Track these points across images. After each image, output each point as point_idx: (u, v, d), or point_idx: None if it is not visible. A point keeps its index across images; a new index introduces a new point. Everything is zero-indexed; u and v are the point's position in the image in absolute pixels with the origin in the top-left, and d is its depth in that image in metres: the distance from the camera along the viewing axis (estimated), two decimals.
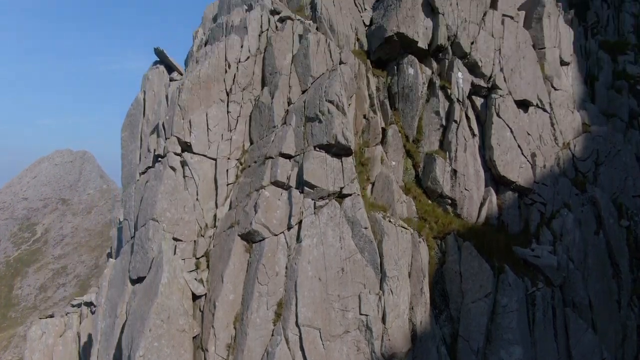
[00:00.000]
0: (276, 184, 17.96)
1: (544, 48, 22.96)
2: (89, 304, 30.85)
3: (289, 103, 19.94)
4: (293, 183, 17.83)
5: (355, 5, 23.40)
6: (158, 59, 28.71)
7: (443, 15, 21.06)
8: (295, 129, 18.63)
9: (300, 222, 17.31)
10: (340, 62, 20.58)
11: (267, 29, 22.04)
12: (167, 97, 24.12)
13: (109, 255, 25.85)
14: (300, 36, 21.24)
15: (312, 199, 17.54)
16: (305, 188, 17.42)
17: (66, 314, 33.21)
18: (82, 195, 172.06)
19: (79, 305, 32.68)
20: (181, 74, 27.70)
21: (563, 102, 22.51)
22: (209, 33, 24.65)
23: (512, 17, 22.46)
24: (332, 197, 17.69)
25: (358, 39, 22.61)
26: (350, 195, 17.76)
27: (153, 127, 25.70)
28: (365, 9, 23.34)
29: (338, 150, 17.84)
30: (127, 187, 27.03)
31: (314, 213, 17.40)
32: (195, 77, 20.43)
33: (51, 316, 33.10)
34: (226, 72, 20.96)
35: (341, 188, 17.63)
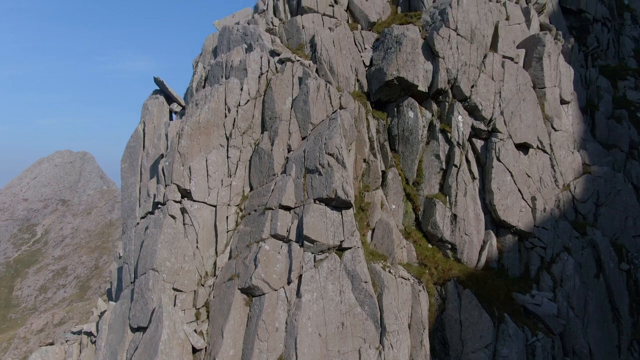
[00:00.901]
0: (276, 237, 17.95)
1: (544, 88, 22.91)
2: (89, 334, 30.81)
3: (289, 150, 19.91)
4: (293, 236, 17.81)
5: (355, 44, 23.32)
6: (158, 88, 28.75)
7: (443, 59, 21.00)
8: (295, 180, 18.60)
9: (300, 277, 17.30)
10: (341, 107, 20.58)
11: (267, 71, 21.98)
12: (166, 135, 24.12)
13: (109, 294, 25.78)
14: (300, 79, 21.19)
15: (312, 253, 17.53)
16: (305, 242, 17.40)
17: (66, 341, 33.23)
18: (82, 196, 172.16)
19: (79, 333, 32.71)
20: (181, 105, 27.71)
21: (563, 143, 22.47)
22: (208, 69, 24.59)
23: (512, 59, 22.40)
24: (332, 250, 17.67)
25: (358, 80, 22.55)
26: (350, 248, 17.74)
27: (153, 161, 25.71)
28: (365, 48, 23.26)
29: (338, 204, 17.81)
30: (127, 219, 27.06)
31: (314, 267, 17.40)
32: (195, 122, 20.39)
33: (51, 344, 33.08)
34: (226, 116, 20.92)
35: (341, 241, 17.62)
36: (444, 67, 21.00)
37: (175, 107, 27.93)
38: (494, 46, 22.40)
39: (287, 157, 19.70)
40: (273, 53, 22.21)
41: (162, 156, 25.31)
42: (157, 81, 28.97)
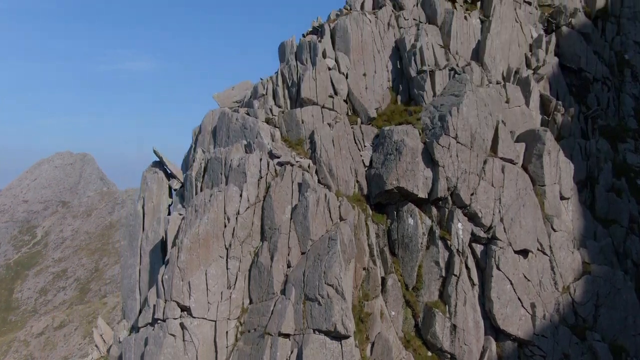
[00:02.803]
0: None
1: (544, 185, 22.85)
2: None
3: (289, 265, 19.90)
4: None
5: (355, 141, 23.23)
6: (157, 159, 28.72)
7: (443, 167, 20.93)
8: (294, 305, 18.61)
9: None
10: (340, 218, 20.56)
11: (267, 174, 21.91)
12: (166, 232, 24.07)
13: None
14: (300, 185, 21.13)
15: None
16: None
17: None
18: (82, 197, 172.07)
19: None
20: (180, 181, 27.66)
21: (563, 244, 22.47)
22: (208, 159, 24.42)
23: (512, 161, 22.33)
24: None
25: (358, 181, 22.50)
26: None
27: (152, 245, 25.73)
28: (365, 146, 23.17)
29: (337, 335, 17.84)
30: (127, 299, 27.12)
31: None
32: (194, 235, 20.36)
33: None
34: (225, 226, 20.87)
35: None
36: (444, 175, 20.93)
37: (175, 184, 27.89)
38: (494, 148, 22.30)
39: (287, 275, 19.70)
40: (272, 155, 22.10)
41: (162, 241, 25.38)
42: (157, 154, 28.95)
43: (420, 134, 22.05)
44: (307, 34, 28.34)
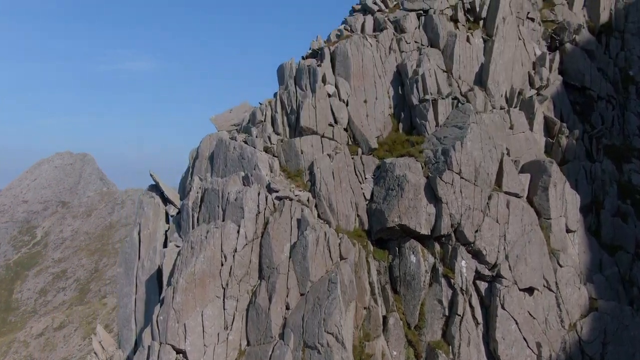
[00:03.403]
0: None
1: (550, 219, 22.25)
2: None
3: (287, 307, 19.32)
4: None
5: (355, 173, 22.62)
6: (153, 183, 28.12)
7: (446, 204, 20.32)
8: (293, 352, 18.05)
9: None
10: (340, 257, 19.99)
11: (265, 209, 21.31)
12: (162, 264, 23.55)
13: None
14: (299, 221, 20.53)
15: None
16: None
17: None
18: (82, 197, 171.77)
19: None
20: (177, 207, 27.08)
21: (570, 279, 21.89)
22: (204, 190, 23.80)
23: (517, 195, 21.73)
24: None
25: (358, 215, 21.89)
26: None
27: (149, 275, 25.16)
28: (365, 178, 22.55)
29: None
30: (123, 329, 26.54)
31: None
32: (189, 274, 19.76)
33: None
34: (222, 264, 20.28)
35: None
36: (447, 212, 20.33)
37: (172, 211, 27.31)
38: (498, 181, 21.69)
39: (285, 318, 19.12)
40: (271, 189, 21.49)
41: (158, 270, 24.81)
42: (153, 178, 28.38)
43: (422, 168, 21.44)
44: (307, 57, 27.67)
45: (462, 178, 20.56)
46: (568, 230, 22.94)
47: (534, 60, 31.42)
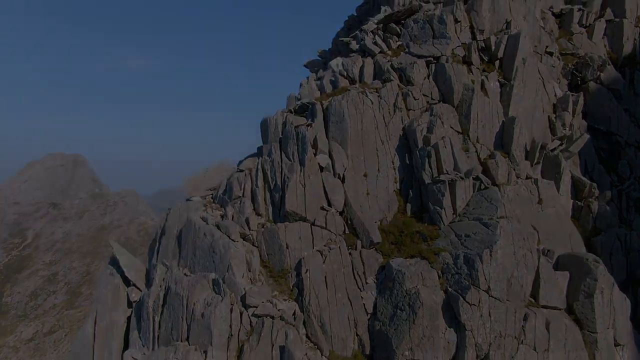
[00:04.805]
0: None
1: (595, 332, 17.83)
2: None
3: None
4: None
5: (354, 276, 18.17)
6: (116, 257, 23.78)
7: (471, 332, 15.86)
8: None
9: None
10: None
11: (239, 330, 16.87)
12: None
13: None
14: (282, 349, 16.11)
15: None
16: None
17: None
18: (73, 199, 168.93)
19: None
20: (140, 291, 22.73)
21: None
22: (167, 288, 19.39)
23: (557, 307, 17.31)
24: None
25: (357, 335, 17.44)
26: None
27: None
28: (366, 282, 18.09)
29: None
30: None
31: None
32: None
33: None
34: None
35: None
36: (472, 342, 15.89)
37: (134, 296, 22.87)
38: (534, 293, 17.22)
39: None
40: (247, 305, 17.00)
41: None
42: (115, 251, 24.25)
43: (439, 277, 16.94)
44: (295, 109, 22.98)
45: (492, 297, 16.09)
46: (616, 344, 18.49)
47: (554, 102, 26.92)
